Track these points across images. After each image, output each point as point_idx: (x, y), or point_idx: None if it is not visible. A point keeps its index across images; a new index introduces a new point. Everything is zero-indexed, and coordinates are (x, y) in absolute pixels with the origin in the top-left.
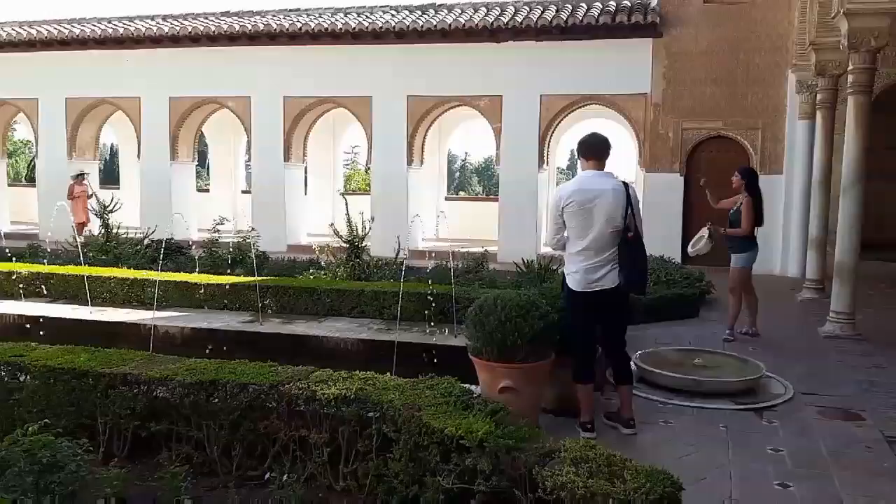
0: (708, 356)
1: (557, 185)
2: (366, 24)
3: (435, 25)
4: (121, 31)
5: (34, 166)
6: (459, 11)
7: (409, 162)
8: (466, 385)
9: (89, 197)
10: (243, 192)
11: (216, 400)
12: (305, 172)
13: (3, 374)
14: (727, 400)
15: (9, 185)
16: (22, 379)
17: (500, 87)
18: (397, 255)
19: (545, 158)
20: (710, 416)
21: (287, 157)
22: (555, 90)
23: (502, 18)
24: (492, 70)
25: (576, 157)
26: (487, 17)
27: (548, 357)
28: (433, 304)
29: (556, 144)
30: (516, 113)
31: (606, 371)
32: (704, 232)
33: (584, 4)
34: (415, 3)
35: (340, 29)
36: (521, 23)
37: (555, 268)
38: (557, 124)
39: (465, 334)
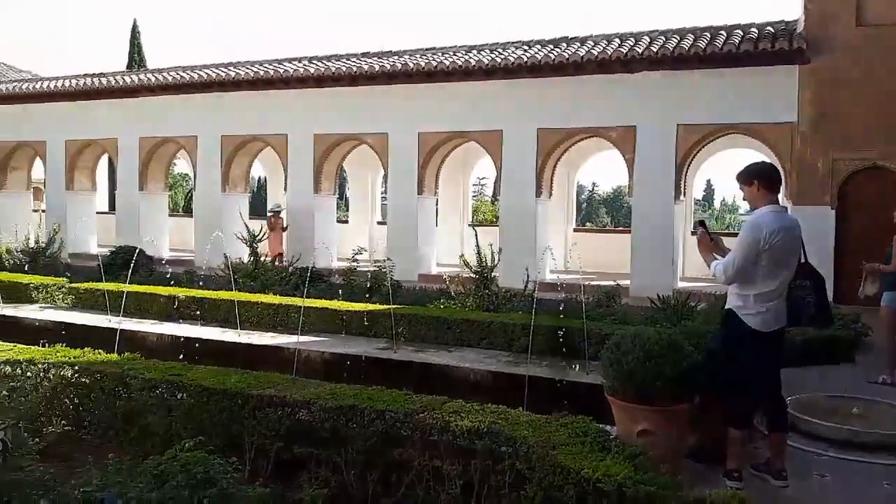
0: (866, 404)
1: (695, 216)
2: (498, 60)
3: (567, 59)
4: (271, 72)
5: (191, 198)
6: (592, 44)
7: (538, 194)
8: (601, 425)
9: (284, 230)
10: (379, 223)
11: (354, 425)
12: (437, 204)
13: (163, 391)
14: (889, 454)
15: (169, 215)
16: (179, 397)
17: (633, 117)
18: (526, 286)
19: (682, 189)
20: (870, 471)
21: (420, 190)
22: (692, 120)
23: (637, 49)
24: (625, 100)
25: (739, 186)
26: (621, 49)
27: (691, 400)
28: (564, 339)
29: (692, 175)
30: (651, 143)
31: (756, 416)
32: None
33: (723, 32)
34: (547, 36)
35: (473, 66)
36: (657, 52)
37: (693, 304)
38: (695, 154)
39: (601, 372)
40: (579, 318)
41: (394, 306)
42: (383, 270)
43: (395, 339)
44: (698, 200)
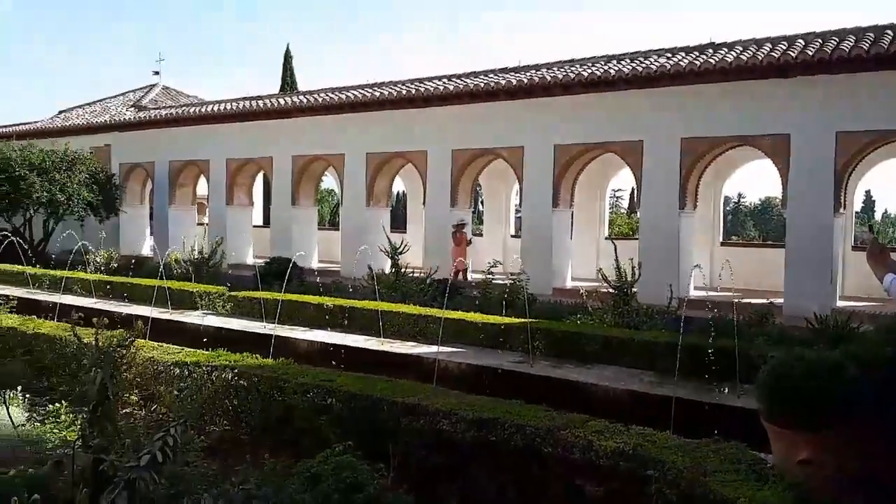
0: None
1: (856, 229)
2: (639, 68)
3: (714, 65)
4: (412, 91)
5: (337, 212)
6: (740, 49)
7: (682, 206)
8: (755, 452)
9: (469, 244)
10: (513, 236)
11: (493, 438)
12: (571, 217)
13: (314, 395)
14: None
15: (317, 228)
16: (329, 402)
17: (787, 124)
18: (670, 303)
19: (842, 201)
20: None
21: (555, 203)
22: (855, 126)
23: (791, 53)
24: (777, 107)
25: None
26: (773, 53)
27: (858, 427)
28: (711, 359)
29: (852, 186)
30: (807, 152)
31: None
32: None
33: (889, 32)
34: (691, 43)
35: (613, 76)
36: (814, 56)
37: (854, 326)
38: (857, 163)
39: (756, 396)
40: (729, 337)
41: (530, 320)
42: (518, 284)
43: (531, 353)
44: (858, 213)
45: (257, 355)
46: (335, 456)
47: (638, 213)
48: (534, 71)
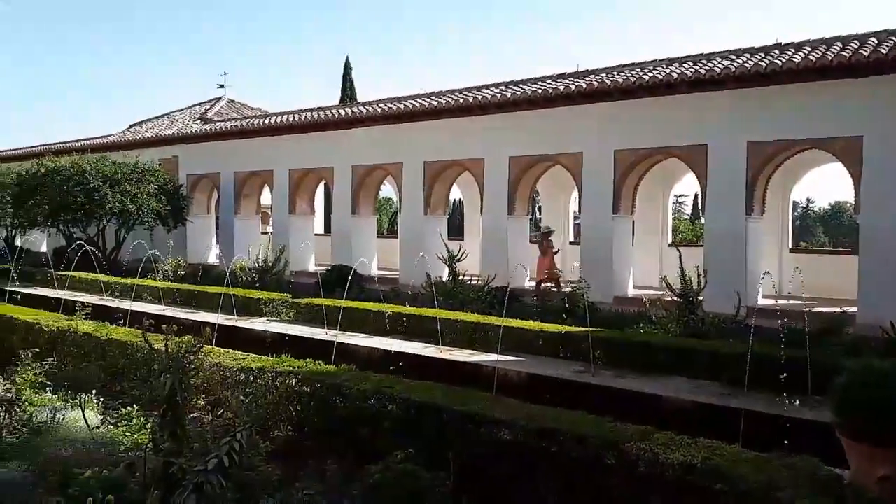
0: None
1: None
2: (703, 71)
3: (781, 66)
4: (469, 99)
5: (395, 220)
6: (808, 49)
7: (749, 211)
8: (830, 468)
9: (555, 253)
10: (571, 243)
11: (554, 448)
12: (633, 224)
13: (375, 402)
14: None
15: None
16: (389, 408)
17: (860, 126)
18: (737, 312)
19: None
20: None
21: (616, 210)
22: None
23: (863, 52)
24: (850, 109)
25: None
26: (844, 53)
27: None
28: (782, 370)
29: None
30: (883, 154)
31: None
32: None
33: None
34: (756, 44)
35: (676, 79)
36: (888, 55)
37: None
38: None
39: (831, 409)
40: (800, 347)
41: (591, 329)
42: (578, 292)
43: (592, 363)
44: None
45: (320, 362)
46: (396, 463)
47: (702, 219)
48: (592, 76)
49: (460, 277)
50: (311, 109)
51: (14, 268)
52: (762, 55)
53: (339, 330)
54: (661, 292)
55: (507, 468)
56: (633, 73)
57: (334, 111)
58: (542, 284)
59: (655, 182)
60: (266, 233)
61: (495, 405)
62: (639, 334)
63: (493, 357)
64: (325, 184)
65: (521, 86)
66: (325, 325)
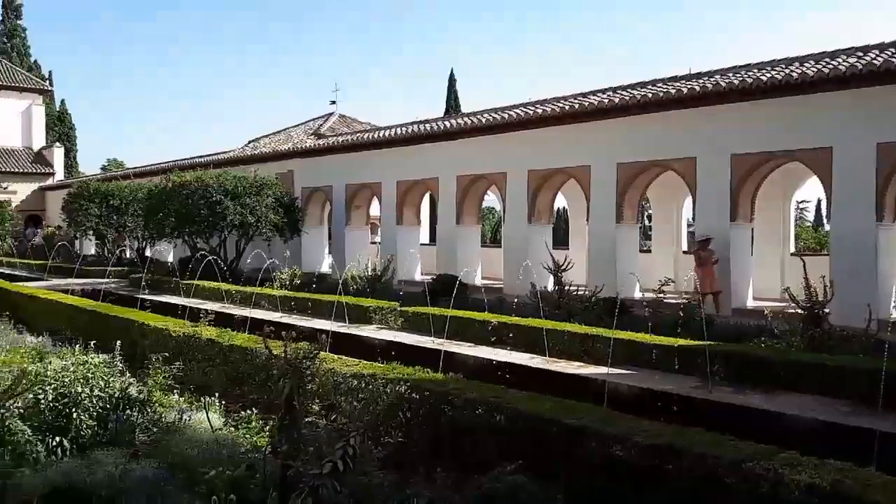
0: None
1: None
2: (826, 70)
3: None
4: (575, 106)
5: (497, 230)
6: None
7: (879, 218)
8: None
9: (715, 262)
10: (685, 252)
11: (670, 466)
12: (752, 232)
13: (482, 412)
14: None
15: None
16: (497, 419)
17: None
18: (868, 325)
19: None
20: None
21: (733, 217)
22: None
23: None
24: None
25: None
26: None
27: None
28: None
29: None
30: None
31: None
32: None
33: None
34: (887, 39)
35: (796, 79)
36: None
37: None
38: None
39: None
40: None
41: (708, 342)
42: (694, 303)
43: (709, 377)
44: None
45: (428, 370)
46: (506, 475)
47: (827, 227)
48: (706, 78)
49: (566, 287)
50: (417, 122)
51: (145, 277)
52: (893, 51)
53: (446, 339)
54: (783, 304)
55: (620, 485)
56: (750, 73)
57: (439, 123)
58: (705, 297)
59: (775, 187)
60: (375, 243)
61: (607, 419)
62: (759, 348)
63: (602, 370)
64: (431, 194)
65: (628, 90)
66: (431, 333)
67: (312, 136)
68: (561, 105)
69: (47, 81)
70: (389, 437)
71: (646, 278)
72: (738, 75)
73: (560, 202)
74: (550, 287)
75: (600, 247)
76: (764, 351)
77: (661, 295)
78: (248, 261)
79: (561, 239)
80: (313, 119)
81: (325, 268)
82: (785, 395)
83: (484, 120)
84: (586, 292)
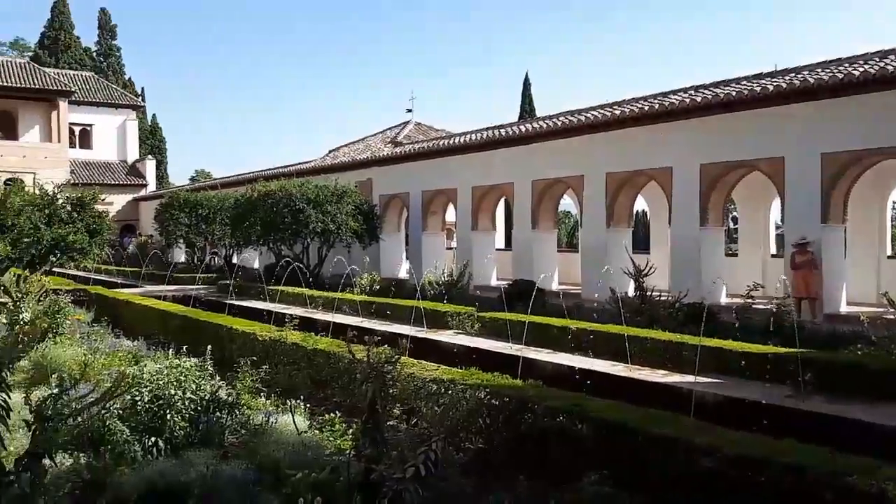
0: None
1: None
2: None
3: None
4: (655, 107)
5: (573, 234)
6: None
7: None
8: None
9: (814, 266)
10: (773, 255)
11: (762, 479)
12: (845, 234)
13: (564, 420)
14: None
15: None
16: (579, 427)
17: None
18: None
19: None
20: None
21: (825, 219)
22: None
23: None
24: None
25: None
26: None
27: None
28: None
29: None
30: None
31: None
32: None
33: None
34: None
35: (893, 71)
36: None
37: None
38: None
39: None
40: None
41: (800, 350)
42: (784, 309)
43: (801, 387)
44: None
45: (507, 376)
46: (591, 484)
47: None
48: (793, 74)
49: (648, 293)
50: (492, 127)
51: (232, 283)
52: None
53: (524, 344)
54: (880, 310)
55: (706, 496)
56: (841, 68)
57: (514, 127)
58: (800, 302)
59: (869, 187)
60: (451, 248)
61: (694, 429)
62: (856, 356)
63: (688, 378)
64: (506, 199)
65: (711, 89)
66: (509, 339)
67: (389, 145)
68: (640, 106)
69: (140, 97)
70: (469, 443)
71: (731, 283)
72: (828, 70)
73: (639, 205)
74: (631, 292)
75: (683, 250)
76: (860, 359)
77: (750, 300)
78: (330, 267)
79: (640, 243)
80: (390, 128)
81: (403, 273)
82: (884, 406)
83: (560, 123)
84: (669, 298)
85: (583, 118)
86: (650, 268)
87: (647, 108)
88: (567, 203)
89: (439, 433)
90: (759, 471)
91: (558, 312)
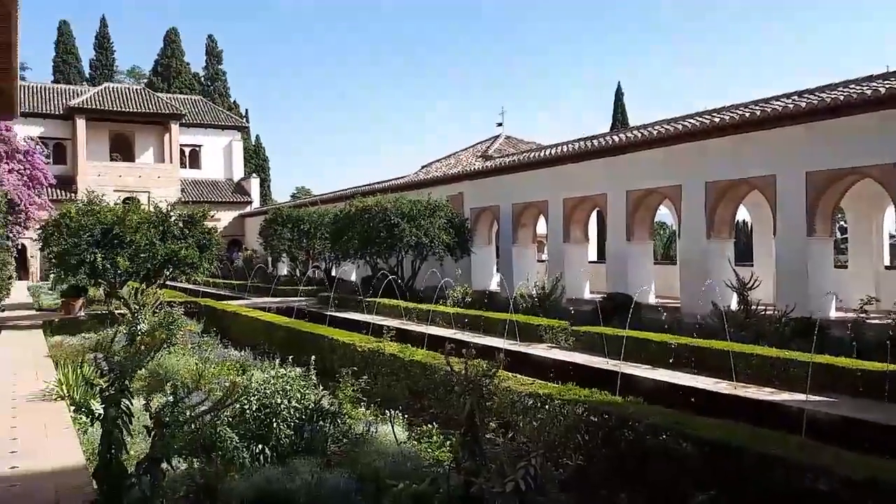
0: None
1: None
2: None
3: None
4: (757, 113)
5: (669, 245)
6: None
7: None
8: None
9: None
10: (887, 267)
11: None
12: None
13: (666, 438)
14: None
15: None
16: (683, 446)
17: None
18: None
19: None
20: None
21: None
22: None
23: None
24: None
25: None
26: None
27: None
28: None
29: None
30: None
31: None
32: None
33: None
34: None
35: None
36: None
37: None
38: None
39: None
40: None
41: None
42: None
43: None
44: None
45: (606, 392)
46: None
47: None
48: None
49: (752, 307)
50: (584, 138)
51: (332, 295)
52: None
53: (620, 360)
54: None
55: None
56: None
57: (607, 138)
58: None
59: None
60: (542, 261)
61: (806, 450)
62: None
63: (798, 396)
64: (598, 211)
65: (816, 94)
66: (605, 353)
67: (480, 158)
68: (740, 112)
69: (244, 119)
70: (567, 459)
71: (841, 296)
72: None
73: (741, 215)
74: (734, 306)
75: (789, 262)
76: None
77: (864, 315)
78: (423, 279)
79: (742, 254)
80: (481, 142)
81: (494, 286)
82: None
83: (656, 132)
84: (775, 312)
85: (680, 126)
86: (754, 280)
87: (748, 114)
88: (662, 213)
89: (537, 448)
90: (881, 495)
91: (656, 327)
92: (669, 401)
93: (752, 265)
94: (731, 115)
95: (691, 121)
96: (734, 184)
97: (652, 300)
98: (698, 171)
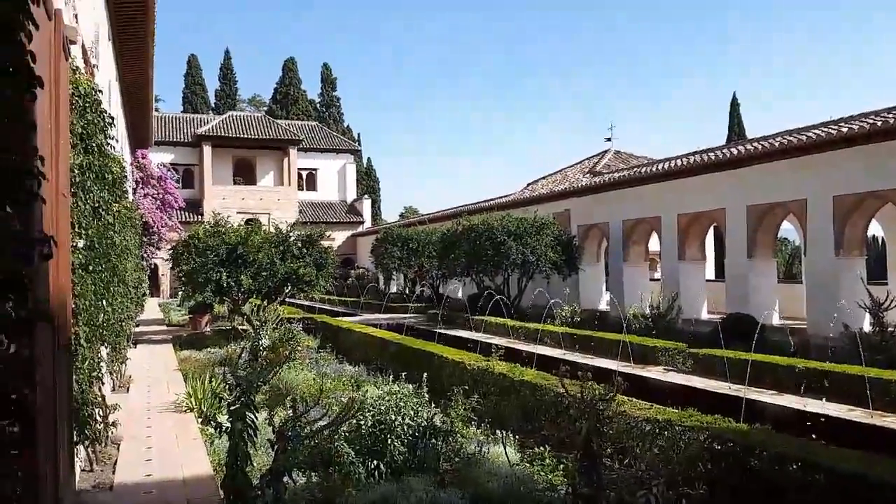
0: None
1: None
2: None
3: None
4: (890, 121)
5: (791, 263)
6: None
7: None
8: None
9: None
10: None
11: None
12: None
13: (796, 470)
14: None
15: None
16: (815, 478)
17: None
18: None
19: None
20: None
21: None
22: None
23: None
24: None
25: None
26: None
27: None
28: None
29: None
30: None
31: None
32: None
33: None
34: None
35: None
36: None
37: None
38: None
39: None
40: None
41: None
42: None
43: None
44: None
45: (729, 419)
46: None
47: None
48: None
49: (889, 329)
50: (699, 152)
51: (440, 313)
52: None
53: (745, 385)
54: None
55: None
56: None
57: (724, 150)
58: None
59: None
60: (654, 279)
61: None
62: None
63: None
64: (716, 227)
65: None
66: (727, 378)
67: (588, 175)
68: (871, 121)
69: (357, 142)
70: (689, 487)
71: None
72: None
73: (873, 230)
74: (867, 328)
75: None
76: None
77: None
78: (530, 298)
79: (875, 272)
80: (588, 157)
81: (603, 305)
82: None
83: (777, 144)
84: None
85: (804, 138)
86: (891, 300)
87: (879, 123)
88: (783, 228)
89: (659, 476)
90: None
91: (780, 349)
92: (798, 429)
93: (886, 283)
94: (861, 124)
95: (816, 131)
96: (865, 197)
97: (776, 321)
98: (825, 184)
